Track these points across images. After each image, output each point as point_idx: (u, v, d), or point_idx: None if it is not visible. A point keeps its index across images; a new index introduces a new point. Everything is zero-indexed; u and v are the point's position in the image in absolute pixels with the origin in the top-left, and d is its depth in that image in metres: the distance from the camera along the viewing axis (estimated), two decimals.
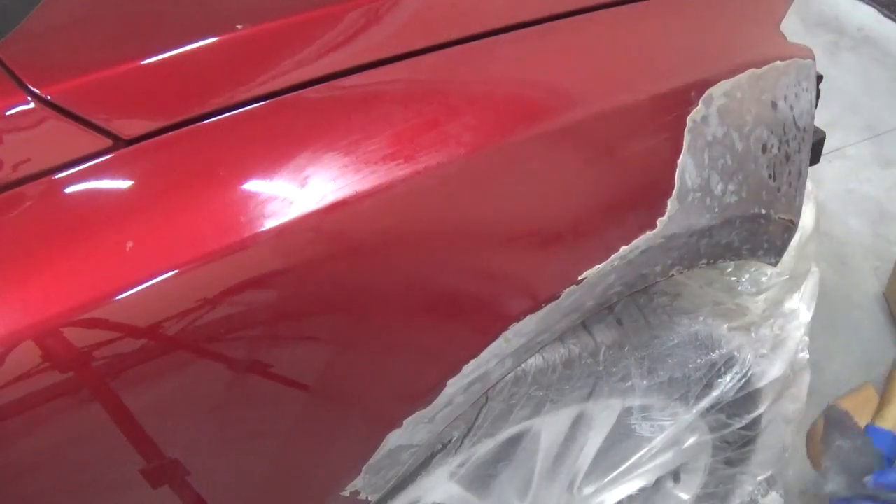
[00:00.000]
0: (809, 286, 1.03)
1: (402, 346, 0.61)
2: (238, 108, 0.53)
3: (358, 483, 0.66)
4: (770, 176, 0.78)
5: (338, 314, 0.56)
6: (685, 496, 1.23)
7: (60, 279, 0.46)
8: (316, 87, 0.55)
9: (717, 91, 0.70)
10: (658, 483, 1.20)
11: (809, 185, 0.92)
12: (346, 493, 0.66)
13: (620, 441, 1.03)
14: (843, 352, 1.74)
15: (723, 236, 0.75)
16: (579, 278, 0.65)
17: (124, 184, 0.50)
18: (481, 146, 0.57)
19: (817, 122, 0.88)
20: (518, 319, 0.64)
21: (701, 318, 0.92)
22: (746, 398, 1.01)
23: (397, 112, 0.56)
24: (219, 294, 0.49)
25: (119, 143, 0.50)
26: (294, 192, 0.51)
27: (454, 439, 0.78)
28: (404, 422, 0.64)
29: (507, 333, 0.64)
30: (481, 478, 0.94)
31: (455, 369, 0.64)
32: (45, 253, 0.46)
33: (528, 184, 0.61)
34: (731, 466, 1.16)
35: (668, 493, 1.23)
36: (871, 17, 2.80)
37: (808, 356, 1.09)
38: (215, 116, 0.52)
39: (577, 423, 0.94)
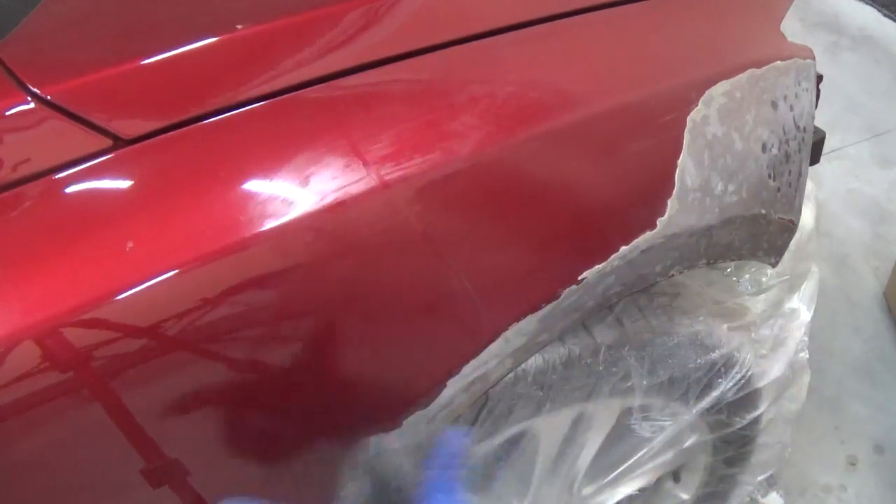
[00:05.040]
0: (809, 286, 1.03)
1: (401, 346, 0.61)
2: (238, 108, 0.53)
3: None
4: (770, 176, 0.78)
5: (338, 314, 0.56)
6: (685, 496, 1.23)
7: (60, 279, 0.45)
8: (316, 87, 0.55)
9: (717, 91, 0.70)
10: (658, 483, 1.20)
11: (809, 185, 0.93)
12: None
13: (620, 441, 1.03)
14: (843, 352, 1.74)
15: (723, 236, 0.75)
16: (579, 278, 0.65)
17: (124, 184, 0.50)
18: (481, 146, 0.57)
19: (817, 122, 0.88)
20: (518, 319, 0.64)
21: (701, 318, 0.92)
22: (746, 398, 1.01)
23: (398, 112, 0.56)
24: (219, 294, 0.49)
25: (119, 143, 0.50)
26: (294, 192, 0.51)
27: None
28: (404, 422, 0.64)
29: (507, 333, 0.64)
30: (481, 478, 0.94)
31: (455, 369, 0.64)
32: (46, 253, 0.46)
33: (528, 184, 0.61)
34: (731, 466, 1.16)
35: (668, 492, 1.24)
36: (871, 17, 2.80)
37: (808, 356, 1.09)
38: (215, 116, 0.52)
39: (577, 424, 0.94)
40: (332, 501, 0.66)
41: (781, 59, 0.78)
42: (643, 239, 0.68)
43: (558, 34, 0.66)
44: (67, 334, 0.45)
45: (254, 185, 0.51)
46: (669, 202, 0.68)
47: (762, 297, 0.96)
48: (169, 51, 0.52)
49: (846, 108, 2.42)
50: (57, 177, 0.48)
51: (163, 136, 0.51)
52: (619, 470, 1.08)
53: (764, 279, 0.95)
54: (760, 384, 1.01)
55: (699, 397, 0.97)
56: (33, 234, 0.47)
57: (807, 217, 0.94)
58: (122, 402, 0.49)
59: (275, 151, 0.52)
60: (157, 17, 0.57)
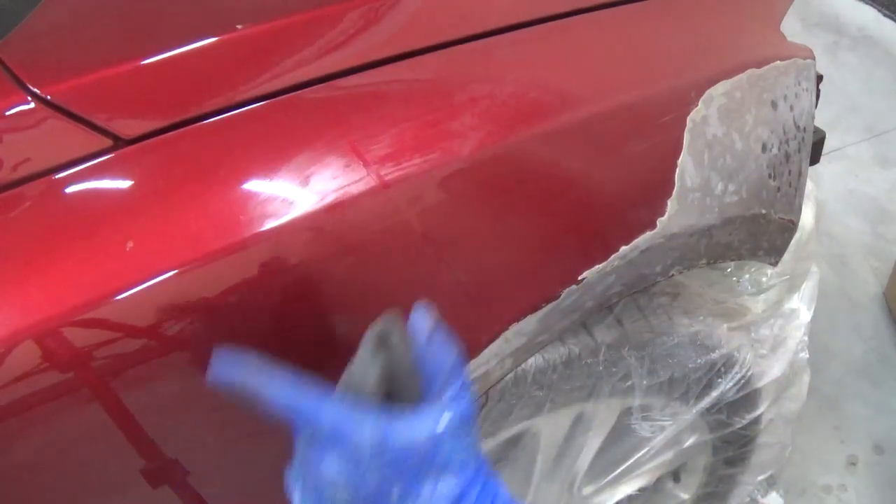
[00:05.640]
0: (809, 286, 1.03)
1: None
2: (238, 108, 0.53)
3: None
4: (770, 176, 0.78)
5: (338, 314, 0.56)
6: (685, 496, 1.23)
7: (60, 279, 0.45)
8: (316, 87, 0.55)
9: (717, 91, 0.70)
10: (658, 483, 1.20)
11: (809, 185, 0.93)
12: None
13: (620, 441, 1.03)
14: (843, 352, 1.74)
15: (723, 236, 0.75)
16: (579, 278, 0.65)
17: (124, 184, 0.50)
18: (481, 146, 0.57)
19: (817, 122, 0.88)
20: (518, 319, 0.64)
21: (701, 318, 0.92)
22: (746, 398, 1.01)
23: (398, 112, 0.56)
24: (219, 294, 0.49)
25: (119, 143, 0.50)
26: (294, 192, 0.51)
27: None
28: None
29: (507, 333, 0.64)
30: None
31: None
32: (46, 253, 0.46)
33: (528, 183, 0.61)
34: (731, 466, 1.16)
35: (668, 492, 1.24)
36: (872, 17, 2.80)
37: (807, 356, 1.09)
38: (215, 116, 0.52)
39: (577, 423, 0.94)
40: None
41: (781, 59, 0.78)
42: (643, 239, 0.68)
43: (558, 34, 0.66)
44: (67, 334, 0.45)
45: (254, 185, 0.51)
46: (669, 202, 0.68)
47: (762, 297, 0.96)
48: (169, 51, 0.52)
49: (846, 108, 2.42)
50: (57, 177, 0.48)
51: (163, 136, 0.51)
52: (619, 470, 1.08)
53: (764, 279, 0.95)
54: (760, 384, 1.01)
55: (699, 397, 0.97)
56: (33, 234, 0.47)
57: (807, 217, 0.94)
58: (122, 402, 0.49)
59: (275, 151, 0.52)
60: (157, 17, 0.57)
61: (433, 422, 0.44)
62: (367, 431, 0.43)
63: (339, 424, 0.43)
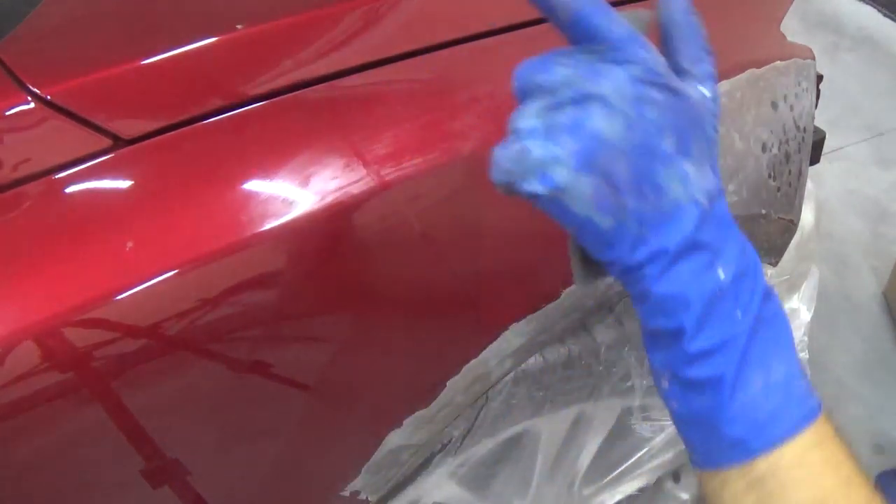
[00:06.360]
0: (809, 286, 1.03)
1: (402, 346, 0.61)
2: (238, 108, 0.53)
3: (358, 483, 0.66)
4: (770, 176, 0.78)
5: (338, 314, 0.56)
6: (685, 496, 1.23)
7: (60, 279, 0.45)
8: (316, 87, 0.55)
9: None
10: (658, 483, 1.20)
11: (809, 185, 0.93)
12: (346, 493, 0.66)
13: (620, 441, 1.03)
14: (843, 352, 1.74)
15: None
16: None
17: (124, 184, 0.50)
18: (482, 146, 0.57)
19: (817, 122, 0.88)
20: (518, 319, 0.64)
21: None
22: None
23: (398, 112, 0.56)
24: (219, 294, 0.49)
25: (119, 143, 0.50)
26: (294, 192, 0.51)
27: (454, 439, 0.78)
28: (404, 422, 0.64)
29: (507, 333, 0.64)
30: (481, 478, 0.94)
31: (455, 369, 0.64)
32: (46, 253, 0.46)
33: None
34: None
35: (668, 493, 1.24)
36: (871, 17, 2.81)
37: (808, 356, 1.09)
38: (215, 116, 0.52)
39: (577, 423, 0.94)
40: (333, 495, 0.66)
41: (781, 59, 0.78)
42: None
43: (559, 34, 0.66)
44: (67, 334, 0.45)
45: (254, 185, 0.51)
46: None
47: None
48: (169, 51, 0.52)
49: (846, 108, 2.42)
50: (57, 177, 0.48)
51: (163, 136, 0.51)
52: (619, 470, 1.08)
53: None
54: None
55: None
56: (33, 234, 0.47)
57: (807, 217, 0.94)
58: (122, 402, 0.49)
59: (275, 151, 0.52)
60: (157, 16, 0.57)
61: (695, 84, 0.46)
62: (656, 60, 0.43)
63: (632, 39, 0.44)
